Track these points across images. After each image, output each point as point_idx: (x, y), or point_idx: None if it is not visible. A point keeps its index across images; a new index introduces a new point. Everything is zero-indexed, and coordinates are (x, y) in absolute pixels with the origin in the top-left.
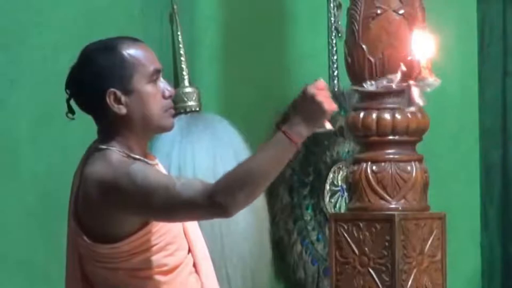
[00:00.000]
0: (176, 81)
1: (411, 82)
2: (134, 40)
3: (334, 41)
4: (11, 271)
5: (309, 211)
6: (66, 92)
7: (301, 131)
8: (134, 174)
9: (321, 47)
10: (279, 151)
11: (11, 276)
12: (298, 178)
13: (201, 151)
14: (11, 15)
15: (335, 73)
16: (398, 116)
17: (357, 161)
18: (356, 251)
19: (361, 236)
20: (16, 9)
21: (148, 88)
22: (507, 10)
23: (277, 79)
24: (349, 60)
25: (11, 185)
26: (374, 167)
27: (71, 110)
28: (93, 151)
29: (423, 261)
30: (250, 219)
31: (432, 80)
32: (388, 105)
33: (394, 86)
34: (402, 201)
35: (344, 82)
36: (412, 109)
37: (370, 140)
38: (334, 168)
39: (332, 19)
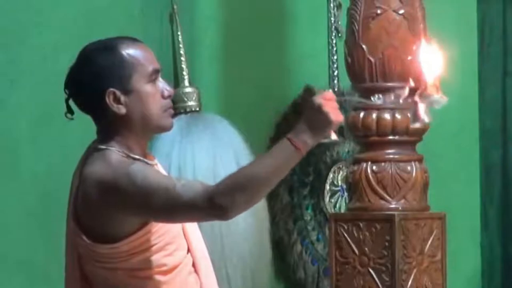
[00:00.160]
0: (176, 81)
1: (417, 98)
2: (133, 40)
3: (334, 41)
4: (11, 271)
5: (309, 211)
6: (65, 92)
7: (306, 140)
8: (133, 175)
9: (321, 47)
10: (283, 157)
11: (11, 276)
12: (298, 178)
13: (201, 151)
14: (11, 15)
15: (335, 73)
16: (398, 116)
17: (357, 161)
18: (356, 251)
19: (361, 236)
20: (16, 9)
21: (147, 88)
22: (507, 10)
23: (277, 79)
24: (349, 60)
25: (11, 185)
26: (374, 167)
27: (70, 110)
28: (92, 151)
29: (423, 261)
30: (250, 219)
31: (439, 97)
32: (388, 105)
33: (401, 101)
34: (402, 201)
35: (344, 82)
36: (418, 125)
37: (370, 140)
38: (334, 168)
39: (332, 19)
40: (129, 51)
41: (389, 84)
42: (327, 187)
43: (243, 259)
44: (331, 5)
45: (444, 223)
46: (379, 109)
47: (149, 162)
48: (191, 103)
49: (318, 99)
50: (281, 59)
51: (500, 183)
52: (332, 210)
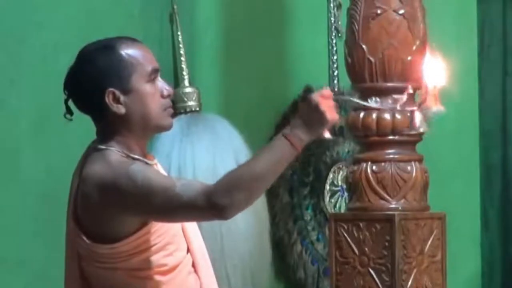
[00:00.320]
0: (176, 81)
1: (415, 107)
2: (132, 40)
3: (334, 41)
4: (11, 271)
5: (309, 211)
6: (65, 93)
7: (301, 137)
8: (133, 175)
9: (321, 47)
10: (279, 154)
11: (11, 276)
12: (298, 178)
13: (201, 151)
14: (11, 15)
15: (335, 73)
16: (398, 116)
17: (357, 161)
18: (356, 251)
19: (361, 236)
20: (16, 9)
21: (147, 87)
22: (507, 10)
23: (277, 79)
24: (349, 60)
25: (11, 185)
26: (374, 167)
27: (69, 111)
28: (92, 151)
29: (423, 261)
30: (250, 219)
31: (436, 109)
32: (389, 105)
33: (398, 107)
34: (402, 201)
35: (344, 82)
36: (413, 132)
37: (370, 140)
38: (334, 168)
39: (332, 19)
40: (128, 51)
41: (389, 84)
42: (327, 187)
43: (243, 259)
44: (331, 5)
45: (444, 223)
46: (379, 109)
47: (149, 162)
48: (191, 103)
49: (316, 98)
50: (281, 59)
51: (500, 183)
52: (332, 210)
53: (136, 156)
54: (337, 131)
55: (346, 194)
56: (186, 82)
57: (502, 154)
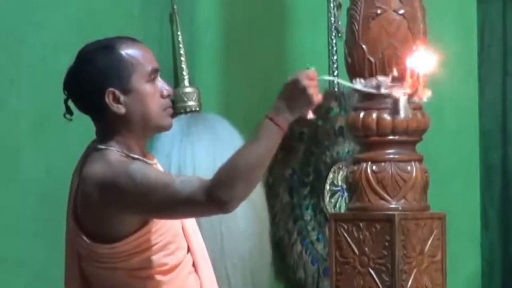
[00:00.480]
0: (176, 81)
1: (401, 91)
2: (132, 40)
3: (334, 41)
4: (11, 271)
5: (309, 211)
6: (64, 93)
7: (287, 117)
8: (133, 173)
9: (321, 47)
10: (268, 138)
11: (11, 276)
12: (298, 178)
13: (201, 151)
14: (11, 15)
15: (335, 73)
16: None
17: (357, 161)
18: (356, 251)
19: (361, 236)
20: (16, 9)
21: (147, 87)
22: (507, 10)
23: (277, 79)
24: (349, 60)
25: (11, 185)
26: (374, 167)
27: (69, 111)
28: (91, 151)
29: (423, 261)
30: (250, 219)
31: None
32: (388, 105)
33: (382, 89)
34: (402, 201)
35: None
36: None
37: (370, 140)
38: (334, 168)
39: (332, 19)
40: (128, 51)
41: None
42: (327, 187)
43: (243, 259)
44: (331, 5)
45: (444, 223)
46: (379, 109)
47: (149, 161)
48: (191, 103)
49: (304, 81)
50: (281, 59)
51: (500, 183)
52: (332, 210)
53: (136, 156)
54: (337, 131)
55: (346, 194)
56: (186, 82)
57: (502, 154)
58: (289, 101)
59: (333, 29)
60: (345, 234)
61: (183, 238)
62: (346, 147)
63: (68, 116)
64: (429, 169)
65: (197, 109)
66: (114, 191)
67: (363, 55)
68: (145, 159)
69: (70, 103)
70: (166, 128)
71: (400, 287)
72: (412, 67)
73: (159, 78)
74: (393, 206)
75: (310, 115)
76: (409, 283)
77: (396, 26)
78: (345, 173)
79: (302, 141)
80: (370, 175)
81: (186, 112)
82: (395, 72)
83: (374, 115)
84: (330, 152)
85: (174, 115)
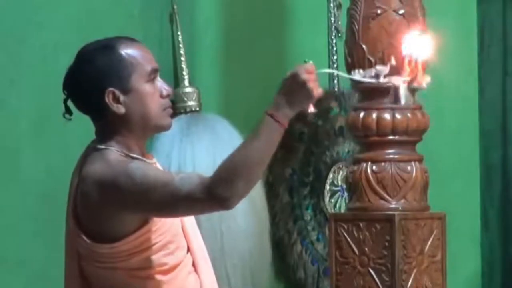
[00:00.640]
0: (176, 81)
1: (400, 79)
2: (131, 40)
3: (334, 41)
4: (11, 271)
5: (309, 211)
6: (64, 93)
7: (287, 113)
8: (133, 172)
9: (321, 47)
10: (269, 134)
11: (11, 276)
12: (298, 178)
13: (201, 151)
14: (11, 15)
15: (335, 73)
16: (398, 116)
17: (357, 161)
18: (356, 251)
19: (361, 236)
20: (16, 9)
21: (146, 87)
22: (507, 10)
23: (277, 79)
24: (349, 60)
25: (11, 185)
26: (374, 167)
27: (68, 111)
28: (91, 151)
29: (423, 261)
30: (250, 219)
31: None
32: (388, 105)
33: (381, 78)
34: (402, 201)
35: (344, 82)
36: (399, 105)
37: (370, 140)
38: (334, 168)
39: (332, 19)
40: (128, 51)
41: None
42: (327, 187)
43: (243, 259)
44: (331, 5)
45: (444, 223)
46: (379, 109)
47: (148, 161)
48: (191, 103)
49: (303, 75)
50: (281, 59)
51: (500, 183)
52: (332, 210)
53: (135, 156)
54: (337, 131)
55: (346, 194)
56: (186, 82)
57: (502, 154)
58: (288, 96)
59: (333, 29)
60: (345, 234)
61: (183, 238)
62: (346, 147)
63: (67, 116)
64: (429, 169)
65: (197, 109)
66: (114, 191)
67: (363, 55)
68: (144, 159)
69: (70, 103)
70: (166, 128)
71: (400, 287)
72: (410, 53)
73: (158, 78)
74: (393, 206)
75: (311, 109)
76: (409, 283)
77: (396, 26)
78: (345, 173)
79: (302, 141)
80: (370, 175)
81: (186, 112)
82: (393, 61)
83: (374, 115)
84: (330, 152)
85: (174, 115)
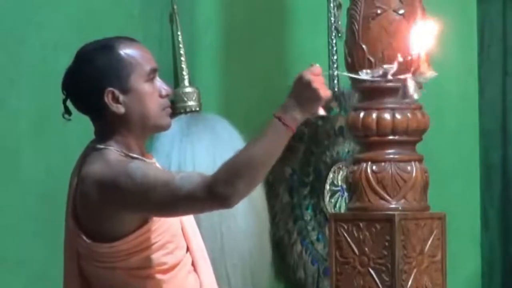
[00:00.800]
0: (176, 81)
1: (408, 75)
2: (130, 40)
3: (334, 41)
4: (11, 271)
5: (309, 211)
6: (63, 93)
7: (295, 116)
8: (133, 172)
9: (321, 47)
10: (275, 137)
11: (11, 276)
12: (298, 178)
13: (201, 151)
14: (11, 15)
15: (335, 73)
16: (398, 116)
17: (357, 161)
18: (356, 251)
19: (361, 236)
20: (16, 9)
21: (146, 87)
22: (507, 10)
23: (277, 79)
24: (349, 60)
25: (11, 185)
26: (374, 167)
27: (67, 111)
28: (90, 150)
29: (423, 261)
30: (250, 219)
31: (429, 73)
32: (388, 105)
33: (389, 76)
34: (402, 201)
35: (344, 82)
36: (408, 101)
37: (370, 140)
38: (334, 168)
39: (332, 19)
40: (127, 51)
41: (389, 84)
42: (327, 187)
43: (243, 259)
44: (331, 5)
45: (444, 223)
46: (379, 109)
47: (148, 160)
48: (191, 103)
49: (307, 75)
50: (281, 59)
51: (500, 183)
52: (332, 210)
53: (135, 155)
54: (337, 131)
55: (346, 194)
56: (186, 82)
57: (502, 154)
58: (296, 98)
59: (333, 29)
60: (345, 234)
61: (182, 238)
62: (346, 147)
63: (66, 116)
64: (429, 169)
65: (197, 109)
66: (114, 191)
67: (363, 55)
68: (144, 158)
69: (69, 103)
70: (165, 127)
71: (400, 287)
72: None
73: (157, 78)
74: (393, 206)
75: (321, 112)
76: (409, 283)
77: (396, 26)
78: (345, 173)
79: (302, 141)
80: (370, 175)
81: (186, 112)
82: (399, 58)
83: (374, 115)
84: (330, 152)
85: (174, 115)
